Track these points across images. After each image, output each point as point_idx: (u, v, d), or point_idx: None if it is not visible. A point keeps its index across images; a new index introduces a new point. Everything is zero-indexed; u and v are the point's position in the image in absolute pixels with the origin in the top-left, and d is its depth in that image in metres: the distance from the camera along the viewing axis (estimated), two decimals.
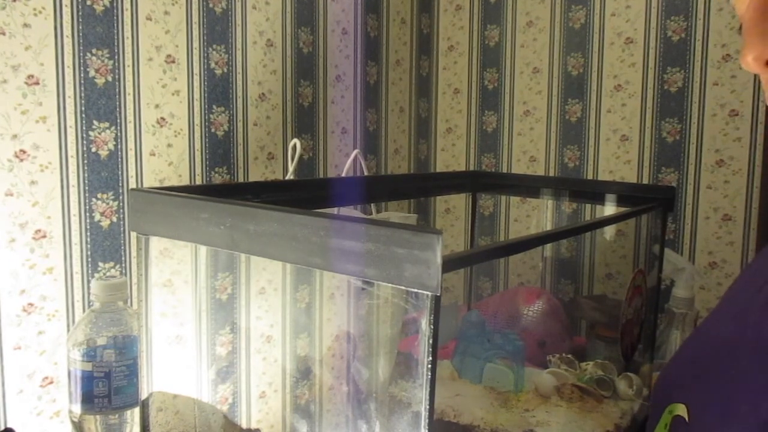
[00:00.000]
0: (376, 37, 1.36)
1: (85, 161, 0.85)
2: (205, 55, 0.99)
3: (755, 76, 1.07)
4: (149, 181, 0.92)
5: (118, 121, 0.88)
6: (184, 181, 0.97)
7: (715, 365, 0.47)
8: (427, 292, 0.38)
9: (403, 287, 0.39)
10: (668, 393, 0.52)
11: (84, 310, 0.85)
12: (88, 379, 0.73)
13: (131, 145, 0.90)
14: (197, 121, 0.98)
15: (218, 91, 1.01)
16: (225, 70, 1.02)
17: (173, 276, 0.94)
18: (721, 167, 1.27)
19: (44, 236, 0.81)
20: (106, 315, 0.75)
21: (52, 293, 0.82)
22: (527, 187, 1.14)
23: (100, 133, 0.86)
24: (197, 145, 0.98)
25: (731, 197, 1.26)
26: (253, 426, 1.08)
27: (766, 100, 0.43)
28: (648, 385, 0.91)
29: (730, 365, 0.45)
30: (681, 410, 0.48)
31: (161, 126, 0.93)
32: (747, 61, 0.41)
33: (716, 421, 0.43)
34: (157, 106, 0.92)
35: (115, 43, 0.87)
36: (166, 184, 0.95)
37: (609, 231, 1.34)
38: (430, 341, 0.38)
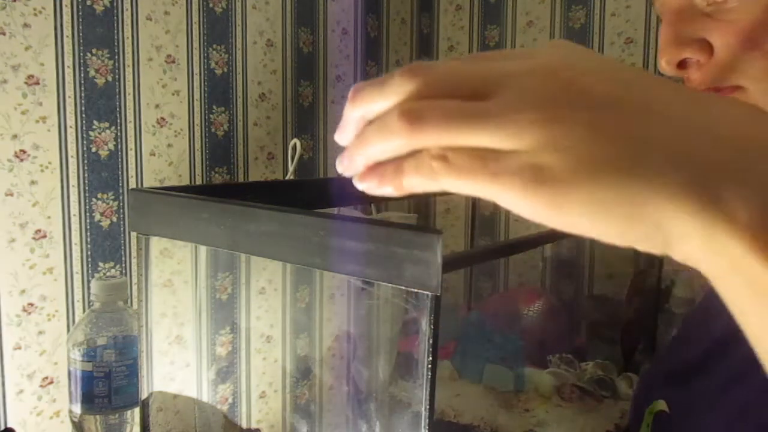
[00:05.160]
0: (376, 37, 1.36)
1: (85, 161, 0.85)
2: (205, 55, 0.99)
3: None
4: (149, 181, 0.92)
5: (118, 121, 0.88)
6: (184, 181, 0.97)
7: (704, 362, 0.48)
8: (427, 292, 0.38)
9: (403, 287, 0.39)
10: (648, 394, 0.53)
11: (84, 310, 0.85)
12: (88, 379, 0.73)
13: (131, 145, 0.90)
14: (197, 121, 0.98)
15: (218, 91, 1.01)
16: (225, 70, 1.02)
17: (173, 276, 0.94)
18: None
19: (44, 236, 0.81)
20: (106, 315, 0.75)
21: (52, 293, 0.82)
22: None
23: (100, 133, 0.86)
24: (197, 145, 0.98)
25: None
26: (253, 426, 1.08)
27: None
28: None
29: (722, 361, 0.46)
30: (661, 405, 0.49)
31: (161, 126, 0.93)
32: (661, 64, 0.43)
33: (706, 412, 0.44)
34: (157, 106, 0.92)
35: (115, 43, 0.87)
36: (166, 184, 0.95)
37: None
38: (430, 341, 0.38)
